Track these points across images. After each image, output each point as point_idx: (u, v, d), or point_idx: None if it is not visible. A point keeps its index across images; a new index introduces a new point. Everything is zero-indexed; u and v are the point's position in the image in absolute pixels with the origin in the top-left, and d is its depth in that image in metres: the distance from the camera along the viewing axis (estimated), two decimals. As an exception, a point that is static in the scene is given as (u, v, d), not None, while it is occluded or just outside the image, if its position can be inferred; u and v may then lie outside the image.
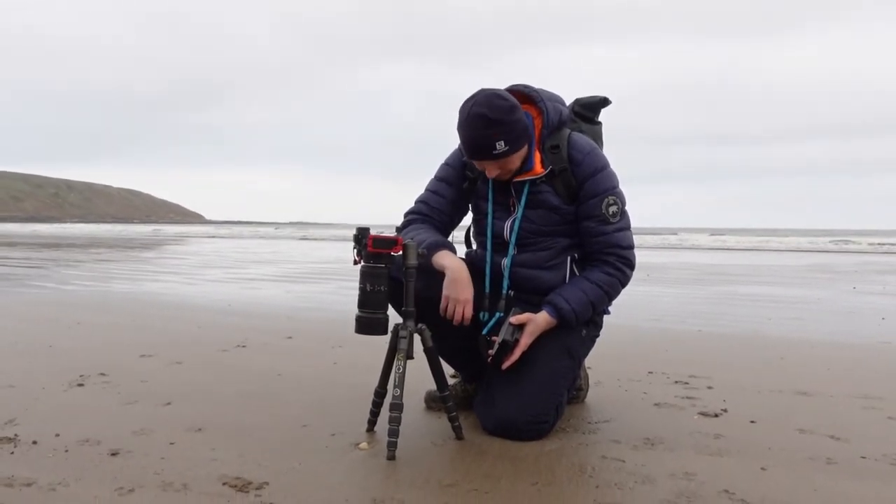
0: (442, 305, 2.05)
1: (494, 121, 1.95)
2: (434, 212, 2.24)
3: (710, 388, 2.76)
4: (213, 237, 31.68)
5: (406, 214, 2.28)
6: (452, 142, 2.29)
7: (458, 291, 2.02)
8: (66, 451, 1.90)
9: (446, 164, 2.29)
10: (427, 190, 2.29)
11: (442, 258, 2.05)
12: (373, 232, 1.91)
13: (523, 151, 2.06)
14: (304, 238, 30.67)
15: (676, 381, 2.86)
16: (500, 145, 1.97)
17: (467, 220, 2.37)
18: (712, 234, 37.70)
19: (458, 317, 2.03)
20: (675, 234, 39.39)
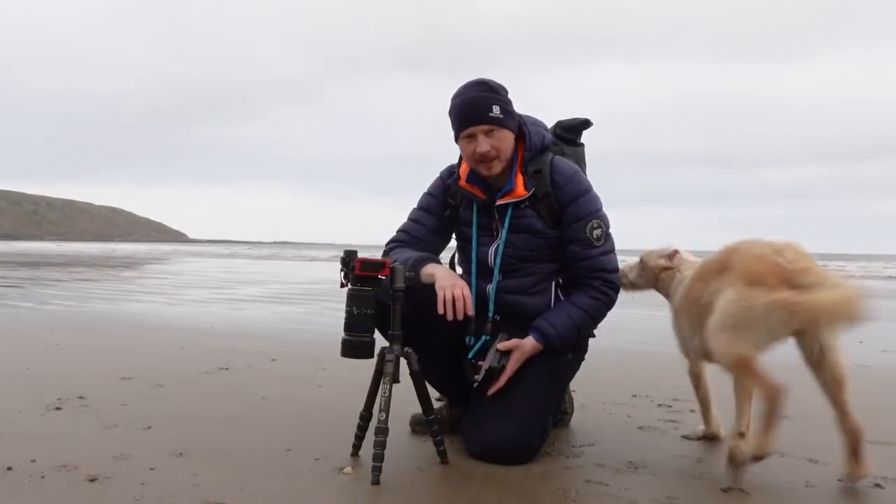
0: (439, 298, 1.98)
1: (494, 87, 2.08)
2: (415, 240, 2.25)
3: (692, 411, 2.77)
4: (197, 256, 31.38)
5: (388, 243, 2.29)
6: (446, 161, 2.30)
7: (452, 279, 2.03)
8: (43, 477, 1.86)
9: (428, 194, 2.31)
10: (409, 219, 2.30)
11: (429, 269, 2.07)
12: (361, 255, 1.91)
13: (511, 138, 2.10)
14: (292, 258, 30.46)
15: (660, 405, 2.88)
16: (496, 110, 2.05)
17: (451, 246, 2.39)
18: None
19: (458, 295, 1.96)
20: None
